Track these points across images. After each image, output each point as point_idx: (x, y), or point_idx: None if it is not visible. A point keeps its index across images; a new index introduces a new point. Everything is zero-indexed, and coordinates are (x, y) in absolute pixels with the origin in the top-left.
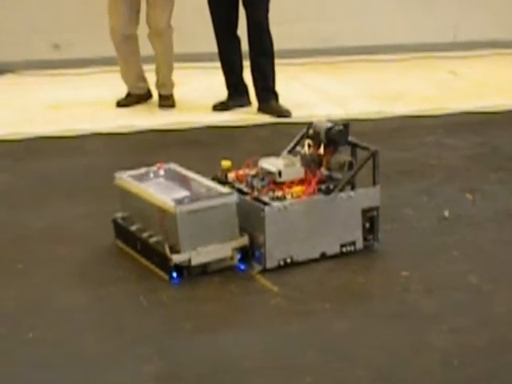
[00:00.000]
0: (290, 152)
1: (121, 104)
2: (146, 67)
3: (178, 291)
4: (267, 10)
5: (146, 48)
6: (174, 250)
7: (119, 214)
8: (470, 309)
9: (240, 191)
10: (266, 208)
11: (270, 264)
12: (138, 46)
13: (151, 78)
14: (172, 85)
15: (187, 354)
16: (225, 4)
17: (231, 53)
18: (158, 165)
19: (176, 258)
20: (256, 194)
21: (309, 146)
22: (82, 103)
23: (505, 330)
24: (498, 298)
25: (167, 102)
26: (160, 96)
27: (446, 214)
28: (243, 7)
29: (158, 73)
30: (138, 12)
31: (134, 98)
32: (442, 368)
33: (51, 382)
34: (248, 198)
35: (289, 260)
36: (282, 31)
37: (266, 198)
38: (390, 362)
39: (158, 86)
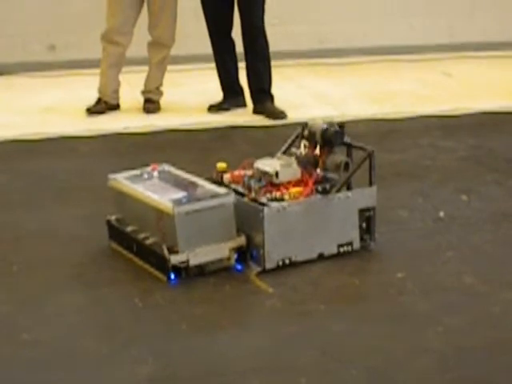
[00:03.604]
0: (284, 153)
1: (92, 111)
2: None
3: (174, 292)
4: (263, 12)
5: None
6: (172, 250)
7: (113, 216)
8: (465, 310)
9: (236, 192)
10: (265, 209)
11: (269, 265)
12: (124, 57)
13: (140, 80)
14: (161, 93)
15: (182, 356)
16: (219, 4)
17: (226, 54)
18: (152, 166)
19: (174, 259)
20: (253, 194)
21: (304, 146)
22: (77, 105)
23: (500, 330)
24: (493, 298)
25: (153, 105)
26: (146, 100)
27: (442, 215)
28: (238, 9)
29: (148, 80)
30: (137, 17)
31: (106, 106)
32: (437, 369)
33: None
34: (245, 199)
35: (287, 261)
36: (277, 32)
37: (263, 199)
38: (385, 364)
39: (146, 91)
